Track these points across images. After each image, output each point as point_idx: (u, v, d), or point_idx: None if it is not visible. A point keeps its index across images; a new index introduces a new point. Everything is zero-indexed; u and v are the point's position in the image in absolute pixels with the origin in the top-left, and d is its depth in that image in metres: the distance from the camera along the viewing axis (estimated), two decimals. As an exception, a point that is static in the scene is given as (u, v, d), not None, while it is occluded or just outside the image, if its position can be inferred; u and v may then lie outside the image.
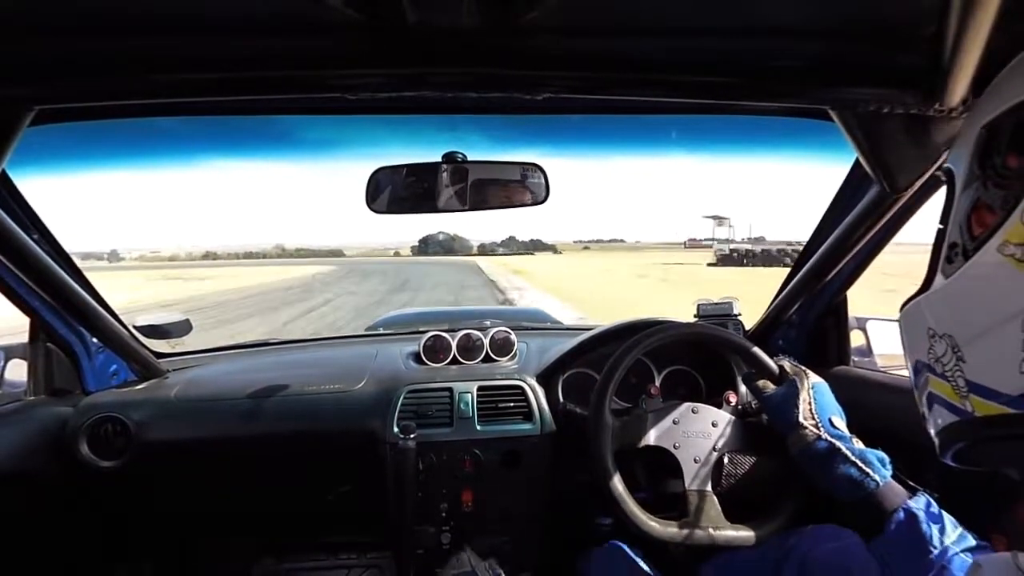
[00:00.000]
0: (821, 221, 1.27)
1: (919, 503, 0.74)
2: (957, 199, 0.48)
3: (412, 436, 1.18)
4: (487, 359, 1.43)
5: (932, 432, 0.51)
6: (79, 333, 1.23)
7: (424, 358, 1.41)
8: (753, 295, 1.82)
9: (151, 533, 1.45)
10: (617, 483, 0.93)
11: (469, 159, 1.09)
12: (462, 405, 1.29)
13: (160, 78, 0.69)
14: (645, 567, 0.95)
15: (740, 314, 1.53)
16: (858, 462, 0.80)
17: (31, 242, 0.96)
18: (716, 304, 1.55)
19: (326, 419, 1.29)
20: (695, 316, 1.54)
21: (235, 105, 1.01)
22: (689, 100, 0.76)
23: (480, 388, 1.32)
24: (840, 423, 0.87)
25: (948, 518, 0.72)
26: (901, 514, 0.74)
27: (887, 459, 0.82)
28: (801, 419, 0.86)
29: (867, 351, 1.41)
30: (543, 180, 1.15)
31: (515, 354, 1.45)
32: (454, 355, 1.42)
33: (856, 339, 1.41)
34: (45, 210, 1.08)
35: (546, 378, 1.35)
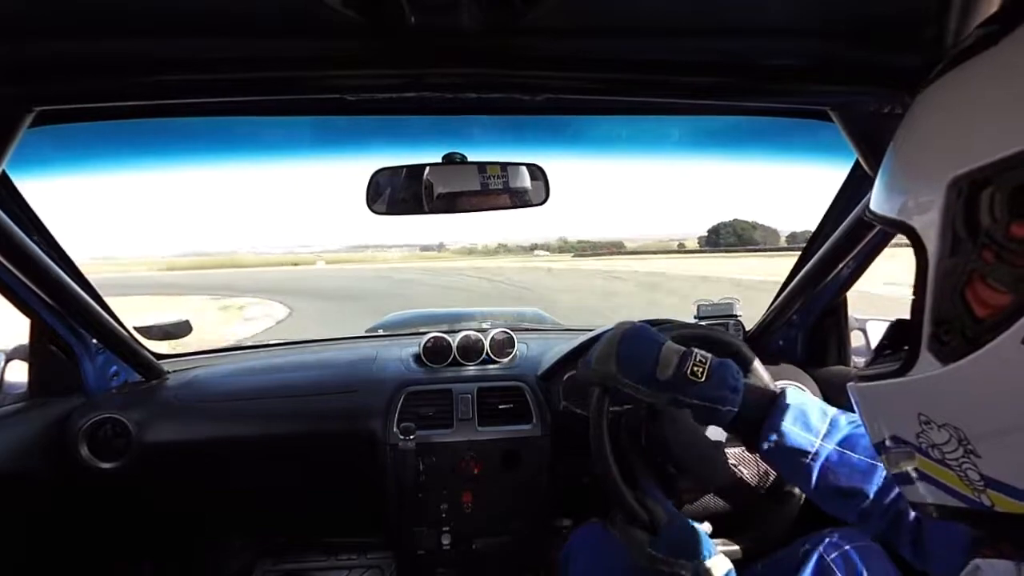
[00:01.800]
0: (821, 222, 1.27)
1: (781, 417, 0.72)
2: (936, 266, 0.39)
3: (412, 437, 1.18)
4: (487, 360, 1.43)
5: (910, 499, 0.47)
6: (79, 334, 1.23)
7: (424, 359, 1.41)
8: None
9: (151, 534, 1.45)
10: (619, 484, 0.93)
11: (469, 159, 1.09)
12: (462, 406, 1.29)
13: (160, 79, 0.69)
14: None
15: (741, 315, 1.53)
16: (705, 404, 0.74)
17: (31, 243, 0.96)
18: (716, 304, 1.55)
19: (326, 420, 1.29)
20: (695, 317, 1.54)
21: (235, 106, 1.01)
22: (689, 101, 0.76)
23: (480, 389, 1.32)
24: (664, 365, 0.75)
25: (813, 413, 0.71)
26: (770, 434, 0.72)
27: (734, 379, 0.75)
28: (646, 399, 0.77)
29: (867, 351, 1.41)
30: (544, 180, 1.15)
31: (515, 355, 1.45)
32: (454, 356, 1.42)
33: (856, 339, 1.41)
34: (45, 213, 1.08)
35: (546, 379, 1.35)
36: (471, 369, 1.41)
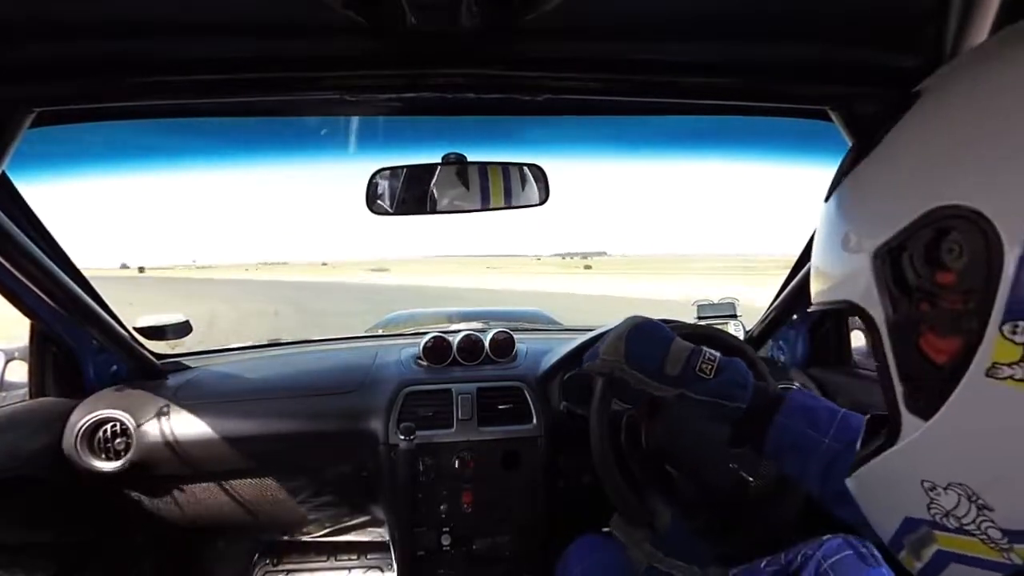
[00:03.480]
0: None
1: (789, 416, 0.71)
2: (887, 330, 0.42)
3: (412, 437, 1.18)
4: (487, 360, 1.43)
5: None
6: (79, 334, 1.23)
7: (424, 359, 1.41)
8: None
9: (151, 534, 1.45)
10: (620, 481, 0.93)
11: (469, 160, 1.10)
12: (462, 406, 1.29)
13: (160, 80, 0.69)
14: (624, 557, 0.94)
15: (741, 315, 1.53)
16: (713, 400, 0.73)
17: (31, 244, 0.96)
18: (716, 304, 1.55)
19: (326, 420, 1.29)
20: (696, 317, 1.54)
21: (236, 107, 1.01)
22: (689, 101, 0.76)
23: (480, 389, 1.32)
24: (674, 360, 0.76)
25: (822, 412, 0.70)
26: (773, 430, 0.71)
27: (742, 376, 0.75)
28: (655, 393, 0.76)
29: (867, 351, 1.41)
30: (543, 181, 1.15)
31: (515, 355, 1.45)
32: (454, 356, 1.42)
33: (856, 339, 1.41)
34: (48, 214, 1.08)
35: (546, 379, 1.35)
36: (471, 369, 1.40)
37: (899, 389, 0.42)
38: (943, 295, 0.38)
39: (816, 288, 0.50)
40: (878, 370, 0.44)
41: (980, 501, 0.38)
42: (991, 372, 0.35)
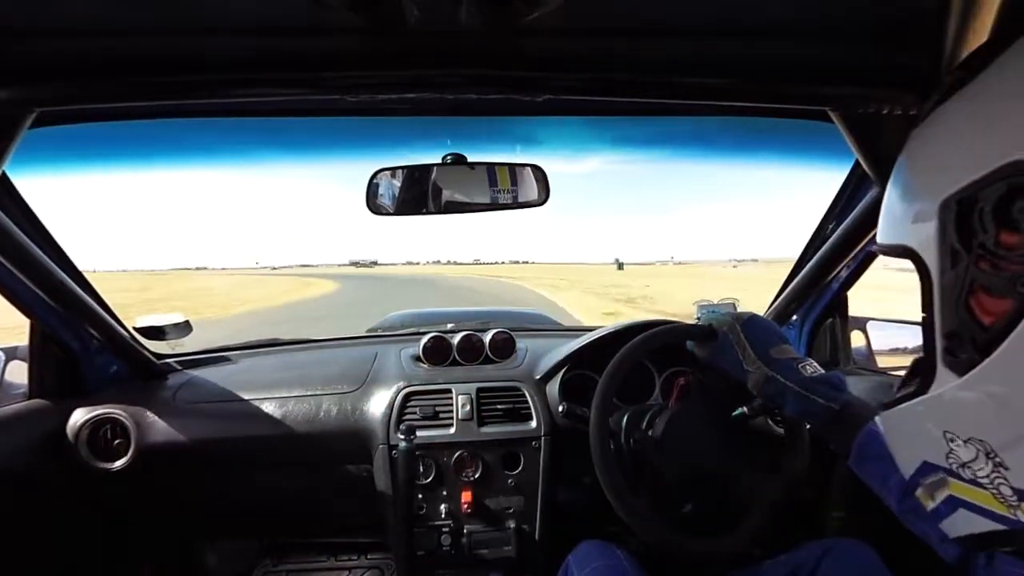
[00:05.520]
0: (821, 222, 1.27)
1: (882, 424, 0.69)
2: (939, 282, 0.42)
3: (412, 437, 1.18)
4: (487, 360, 1.43)
5: (949, 534, 0.46)
6: (79, 335, 1.23)
7: (424, 359, 1.41)
8: None
9: (151, 535, 1.45)
10: (619, 485, 0.93)
11: (469, 160, 1.10)
12: (462, 407, 1.29)
13: (160, 80, 0.69)
14: (626, 563, 0.92)
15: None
16: (805, 393, 0.73)
17: (31, 243, 0.96)
18: (716, 305, 1.55)
19: (326, 421, 1.29)
20: (695, 317, 1.54)
21: (237, 107, 1.01)
22: (689, 102, 0.76)
23: (480, 390, 1.32)
24: (781, 351, 0.79)
25: None
26: (863, 435, 0.69)
27: (839, 381, 0.75)
28: (745, 366, 0.80)
29: (867, 351, 1.41)
30: (544, 181, 1.15)
31: (515, 355, 1.45)
32: (454, 356, 1.42)
33: (856, 339, 1.41)
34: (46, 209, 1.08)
35: (546, 380, 1.35)
36: (471, 369, 1.40)
37: (939, 344, 0.42)
38: (1004, 256, 0.37)
39: (882, 231, 0.49)
40: (923, 320, 0.43)
41: (997, 459, 0.39)
42: None
